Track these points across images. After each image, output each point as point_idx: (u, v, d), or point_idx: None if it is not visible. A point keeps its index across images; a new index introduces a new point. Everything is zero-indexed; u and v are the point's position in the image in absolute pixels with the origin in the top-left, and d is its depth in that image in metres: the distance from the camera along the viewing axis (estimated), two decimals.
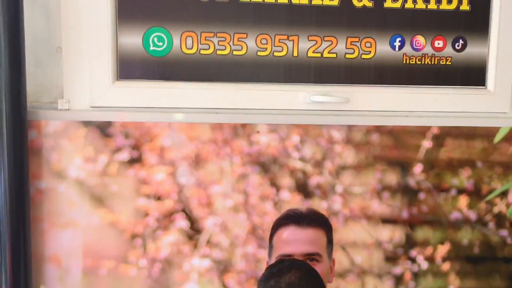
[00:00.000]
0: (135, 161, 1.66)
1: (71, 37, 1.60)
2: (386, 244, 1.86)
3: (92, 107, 1.63)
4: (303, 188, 1.77)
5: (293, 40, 1.72)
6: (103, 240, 1.67)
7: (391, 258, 1.87)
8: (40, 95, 1.64)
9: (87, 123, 1.62)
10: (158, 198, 1.69)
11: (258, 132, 1.72)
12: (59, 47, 1.63)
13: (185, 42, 1.65)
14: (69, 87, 1.62)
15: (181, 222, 1.71)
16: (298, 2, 1.70)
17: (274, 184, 1.76)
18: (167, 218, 1.70)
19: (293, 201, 1.77)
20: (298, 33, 1.71)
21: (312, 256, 1.75)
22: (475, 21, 1.82)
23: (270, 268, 1.42)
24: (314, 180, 1.77)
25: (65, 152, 1.62)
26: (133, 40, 1.63)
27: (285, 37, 1.71)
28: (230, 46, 1.68)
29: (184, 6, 1.64)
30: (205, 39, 1.66)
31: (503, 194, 1.91)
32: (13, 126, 1.48)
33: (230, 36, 1.67)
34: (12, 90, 1.47)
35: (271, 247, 1.77)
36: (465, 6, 1.80)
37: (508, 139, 1.87)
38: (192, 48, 1.66)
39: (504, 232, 1.93)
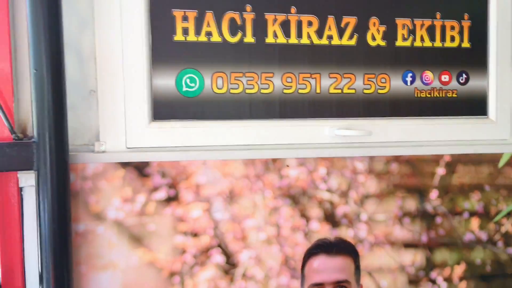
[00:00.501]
0: (172, 199, 1.68)
1: (106, 81, 1.62)
2: (408, 267, 1.92)
3: (128, 148, 1.64)
4: (330, 218, 1.83)
5: (315, 78, 1.80)
6: (142, 280, 1.65)
7: (413, 281, 1.94)
8: (74, 138, 1.64)
9: (124, 164, 1.63)
10: (195, 234, 1.70)
11: (287, 166, 1.77)
12: (92, 90, 1.64)
13: (215, 82, 1.71)
14: (105, 129, 1.63)
15: (217, 257, 1.72)
16: (319, 43, 1.79)
17: (304, 215, 1.80)
18: (204, 254, 1.71)
19: (322, 231, 1.82)
20: (320, 71, 1.80)
21: (342, 284, 1.80)
22: (476, 57, 1.97)
23: None
24: (340, 210, 1.83)
25: (103, 194, 1.61)
26: (166, 82, 1.67)
27: (308, 75, 1.79)
28: (258, 85, 1.74)
29: (214, 48, 1.70)
30: (235, 79, 1.72)
31: (509, 215, 2.02)
32: (57, 170, 1.47)
33: (258, 75, 1.74)
34: (56, 135, 1.46)
35: (303, 277, 1.80)
36: (466, 44, 1.95)
37: (510, 164, 2.00)
38: (222, 88, 1.71)
39: (511, 250, 2.04)
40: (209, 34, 1.69)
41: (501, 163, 2.00)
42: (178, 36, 1.66)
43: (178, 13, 1.66)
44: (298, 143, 1.78)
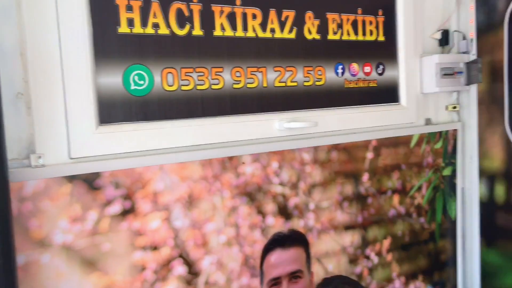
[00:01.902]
0: (128, 212, 1.44)
1: (39, 81, 1.31)
2: (348, 248, 1.98)
3: (73, 158, 1.36)
4: (284, 211, 1.78)
5: (262, 72, 1.72)
6: None
7: (353, 260, 2.00)
8: None
9: (70, 178, 1.35)
10: (155, 247, 1.49)
11: (243, 163, 1.66)
12: (20, 93, 1.32)
13: (166, 79, 1.51)
14: (41, 138, 1.32)
15: (179, 269, 1.54)
16: (263, 36, 1.71)
17: (260, 211, 1.72)
18: (165, 267, 1.51)
19: (277, 224, 1.76)
20: (265, 65, 1.73)
21: (296, 274, 1.77)
22: (389, 49, 2.09)
23: None
24: (292, 202, 1.79)
25: (47, 216, 1.31)
26: (112, 80, 1.42)
27: (255, 69, 1.70)
28: (209, 80, 1.59)
29: (162, 41, 1.50)
30: (185, 75, 1.55)
31: (419, 189, 2.22)
32: None
33: (208, 70, 1.59)
34: None
35: (261, 273, 1.73)
36: (381, 37, 2.06)
37: (418, 144, 2.19)
38: (173, 84, 1.52)
39: (422, 219, 2.24)
40: (156, 26, 1.48)
41: (412, 143, 2.17)
42: (123, 28, 1.42)
43: (121, 2, 1.41)
44: (252, 138, 1.68)
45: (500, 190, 2.24)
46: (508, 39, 2.11)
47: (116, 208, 1.41)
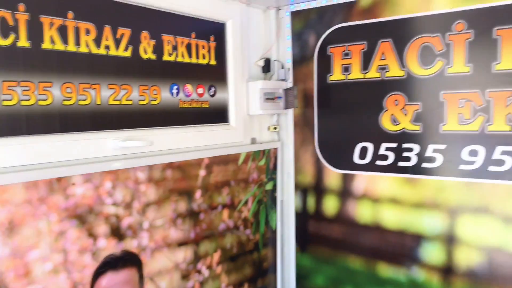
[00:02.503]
0: None
1: None
2: (181, 264, 2.02)
3: None
4: (117, 232, 1.73)
5: (95, 89, 1.66)
6: None
7: (185, 276, 2.05)
8: None
9: None
10: None
11: (74, 184, 1.57)
12: None
13: None
14: None
15: None
16: (97, 52, 1.66)
17: (91, 234, 1.64)
18: None
19: (109, 246, 1.70)
20: (99, 82, 1.67)
21: None
22: (220, 73, 2.23)
23: None
24: (125, 222, 1.76)
25: None
26: None
27: (88, 85, 1.64)
28: (36, 95, 1.47)
29: None
30: (7, 89, 1.40)
31: (246, 203, 2.39)
32: None
33: (35, 85, 1.47)
34: None
35: None
36: (213, 61, 2.18)
37: (245, 161, 2.37)
38: None
39: (248, 231, 2.42)
40: None
41: (240, 161, 2.34)
42: None
43: None
44: (83, 158, 1.60)
45: (311, 202, 2.56)
46: (317, 70, 2.45)
47: None
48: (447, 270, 2.14)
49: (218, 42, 2.20)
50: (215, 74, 2.20)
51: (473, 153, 2.02)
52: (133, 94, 1.79)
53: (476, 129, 2.01)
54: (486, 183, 2.01)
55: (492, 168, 1.98)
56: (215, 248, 2.21)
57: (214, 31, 2.18)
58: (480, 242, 2.04)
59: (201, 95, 2.12)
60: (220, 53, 2.22)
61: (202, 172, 2.10)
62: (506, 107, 1.93)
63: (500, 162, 1.96)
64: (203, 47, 2.12)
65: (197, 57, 2.09)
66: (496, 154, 1.97)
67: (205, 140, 2.12)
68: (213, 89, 2.18)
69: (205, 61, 2.13)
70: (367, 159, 2.33)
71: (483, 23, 1.95)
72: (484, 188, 2.02)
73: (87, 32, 1.62)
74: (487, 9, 1.94)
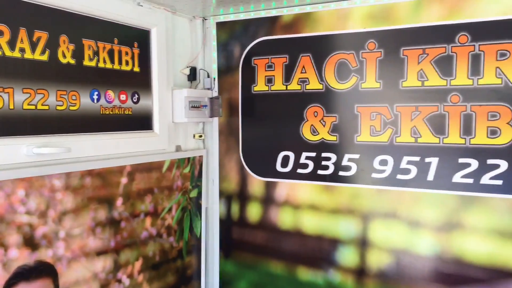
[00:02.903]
0: None
1: None
2: (100, 274, 1.97)
3: None
4: (30, 242, 1.66)
5: (8, 93, 1.59)
6: None
7: (104, 286, 2.00)
8: None
9: None
10: None
11: None
12: None
13: None
14: None
15: None
16: (11, 55, 1.59)
17: (2, 244, 1.56)
18: None
19: (21, 257, 1.63)
20: (13, 86, 1.61)
21: None
22: (144, 80, 2.22)
23: None
24: (40, 231, 1.69)
25: None
26: None
27: (1, 89, 1.57)
28: None
29: None
30: None
31: (170, 210, 2.39)
32: None
33: None
34: None
35: None
36: (136, 68, 2.17)
37: (170, 169, 2.37)
38: None
39: (172, 239, 2.41)
40: None
41: (164, 168, 2.33)
42: None
43: None
44: None
45: (235, 208, 2.61)
46: (241, 81, 2.51)
47: None
48: (360, 272, 2.28)
49: (142, 49, 2.19)
50: (139, 81, 2.19)
51: (383, 162, 2.18)
52: (50, 99, 1.73)
53: (386, 140, 2.17)
54: (395, 190, 2.17)
55: (399, 177, 2.15)
56: (136, 256, 2.18)
57: (138, 38, 2.17)
58: (389, 245, 2.20)
59: (123, 101, 2.10)
60: (144, 60, 2.21)
61: (124, 180, 2.08)
62: (411, 121, 2.11)
63: (407, 171, 2.13)
64: (127, 54, 2.10)
65: (120, 63, 2.07)
66: (403, 164, 2.14)
67: (128, 147, 2.10)
68: (136, 96, 2.17)
69: (128, 68, 2.12)
70: (289, 167, 2.42)
71: (391, 43, 2.12)
72: (392, 195, 2.18)
73: (1, 34, 1.55)
74: (395, 31, 2.11)
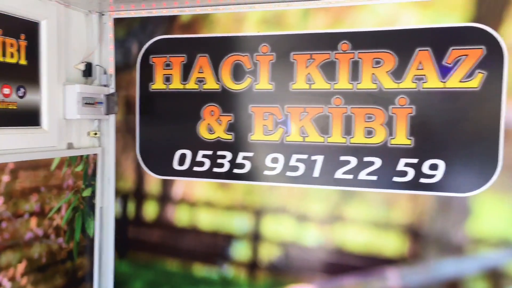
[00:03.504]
0: None
1: None
2: None
3: None
4: None
5: None
6: None
7: None
8: None
9: None
10: None
11: None
12: None
13: None
14: None
15: None
16: None
17: None
18: None
19: None
20: None
21: None
22: (31, 73, 2.11)
23: None
24: None
25: None
26: None
27: None
28: None
29: None
30: None
31: (59, 210, 2.29)
32: None
33: None
34: None
35: None
36: (23, 61, 2.06)
37: (59, 167, 2.28)
38: None
39: (61, 240, 2.32)
40: None
41: (53, 166, 2.24)
42: None
43: None
44: None
45: (131, 207, 2.58)
46: (139, 79, 2.49)
47: None
48: (253, 266, 2.37)
49: (30, 42, 2.09)
50: (26, 75, 2.08)
51: (275, 160, 2.29)
52: None
53: (277, 139, 2.28)
54: (285, 186, 2.29)
55: (288, 173, 2.27)
56: (19, 258, 2.07)
57: (25, 30, 2.06)
58: (279, 238, 2.32)
59: (7, 95, 1.98)
60: (33, 53, 2.11)
61: (5, 178, 1.96)
62: (300, 121, 2.24)
63: (295, 168, 2.26)
64: (12, 45, 1.99)
65: (4, 55, 1.95)
66: (292, 161, 2.27)
67: (11, 143, 1.98)
68: (22, 90, 2.06)
69: (13, 60, 2.00)
70: (186, 165, 2.45)
71: (282, 47, 2.24)
72: (282, 191, 2.30)
73: None
74: (286, 36, 2.24)
